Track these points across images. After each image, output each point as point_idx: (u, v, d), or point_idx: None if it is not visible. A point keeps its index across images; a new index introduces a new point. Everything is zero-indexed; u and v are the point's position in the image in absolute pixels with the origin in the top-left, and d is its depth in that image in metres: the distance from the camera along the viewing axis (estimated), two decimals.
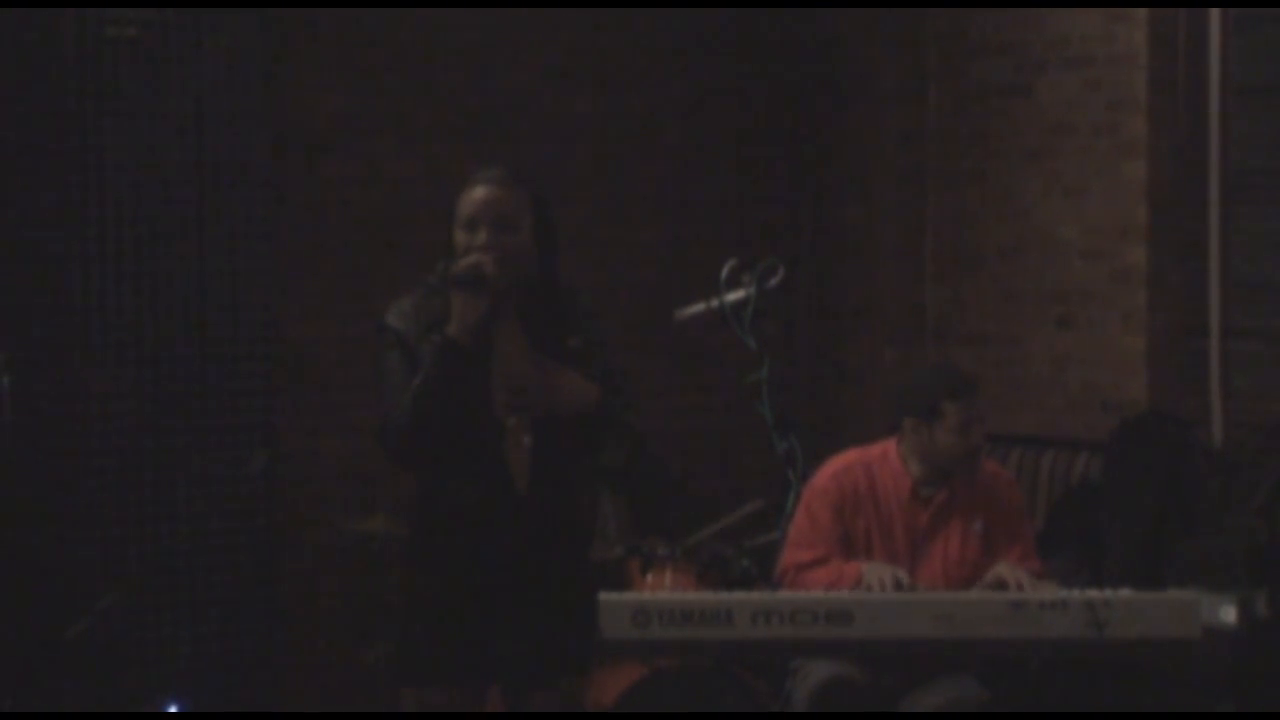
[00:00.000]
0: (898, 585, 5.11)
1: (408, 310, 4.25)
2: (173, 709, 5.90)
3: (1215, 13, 6.72)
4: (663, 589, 5.71)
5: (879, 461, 5.42)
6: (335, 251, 7.07)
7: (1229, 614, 5.55)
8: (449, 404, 4.12)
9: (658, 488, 6.73)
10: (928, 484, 5.39)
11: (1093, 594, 4.98)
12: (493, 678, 4.28)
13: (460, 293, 4.11)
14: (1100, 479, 6.65)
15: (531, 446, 4.19)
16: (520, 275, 4.21)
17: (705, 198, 7.91)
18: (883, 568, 5.19)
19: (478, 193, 4.23)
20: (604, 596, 5.00)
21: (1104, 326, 7.00)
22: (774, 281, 5.33)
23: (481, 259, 4.13)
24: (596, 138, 7.69)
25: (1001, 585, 5.16)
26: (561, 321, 4.26)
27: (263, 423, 6.22)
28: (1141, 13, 6.83)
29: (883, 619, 4.96)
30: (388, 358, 4.22)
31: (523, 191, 4.24)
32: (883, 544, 5.33)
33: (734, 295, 5.34)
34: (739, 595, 5.08)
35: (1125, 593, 5.01)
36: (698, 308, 5.49)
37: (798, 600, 5.00)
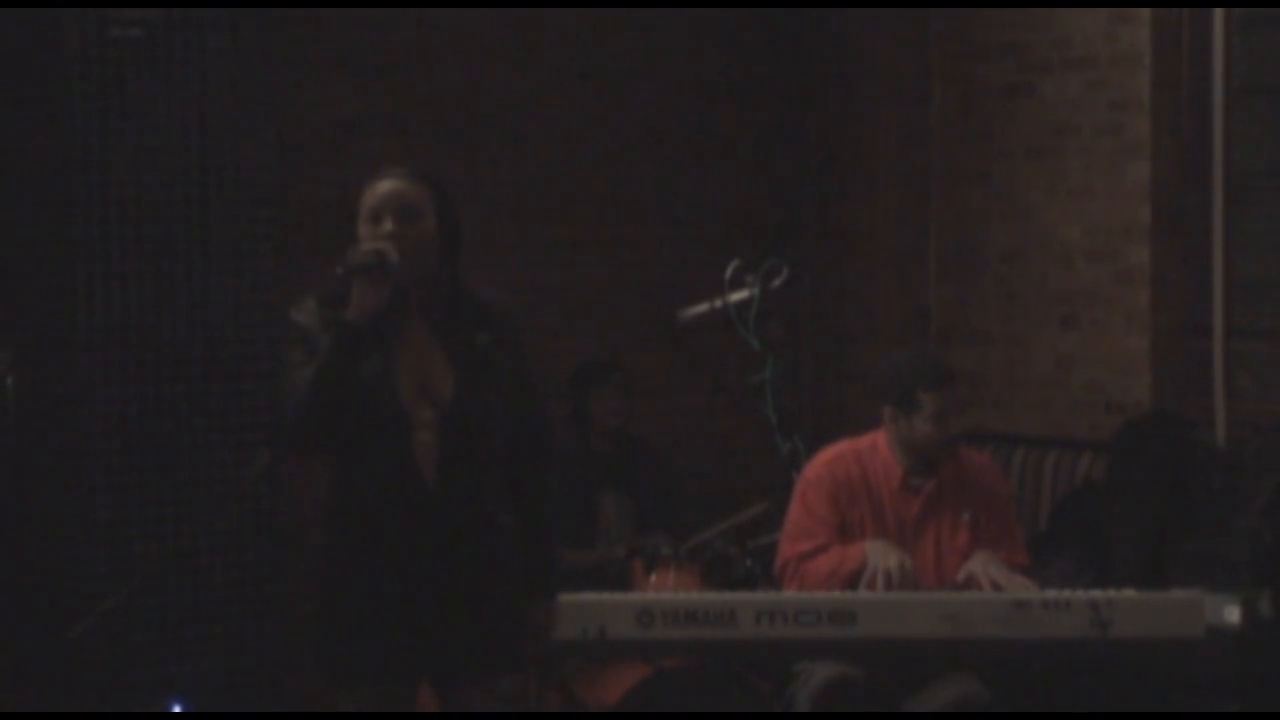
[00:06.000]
0: (901, 567, 5.11)
1: (311, 305, 4.26)
2: (176, 709, 5.90)
3: (1219, 13, 6.72)
4: (666, 589, 5.70)
5: (869, 452, 5.43)
6: (338, 253, 7.05)
7: (1233, 614, 5.54)
8: (345, 390, 4.09)
9: (660, 487, 6.73)
10: (917, 474, 5.39)
11: (1096, 594, 4.97)
12: (418, 676, 4.26)
13: (360, 279, 4.12)
14: (1104, 479, 6.65)
15: (438, 442, 4.17)
16: (423, 270, 4.22)
17: (709, 198, 7.91)
18: (886, 547, 5.19)
19: (382, 186, 4.25)
20: (608, 596, 5.01)
21: (1107, 327, 7.00)
22: (777, 282, 5.34)
23: (383, 246, 4.15)
24: (599, 138, 7.69)
25: (972, 583, 5.17)
26: (467, 318, 4.26)
27: (266, 423, 6.21)
28: (1145, 13, 6.83)
29: (886, 619, 4.95)
30: (290, 354, 4.22)
31: (427, 187, 4.27)
32: (876, 533, 5.33)
33: (738, 295, 5.34)
34: (742, 595, 5.08)
35: (1129, 593, 5.01)
36: (701, 308, 5.50)
37: (801, 600, 5.00)
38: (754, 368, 5.28)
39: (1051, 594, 5.00)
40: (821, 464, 5.41)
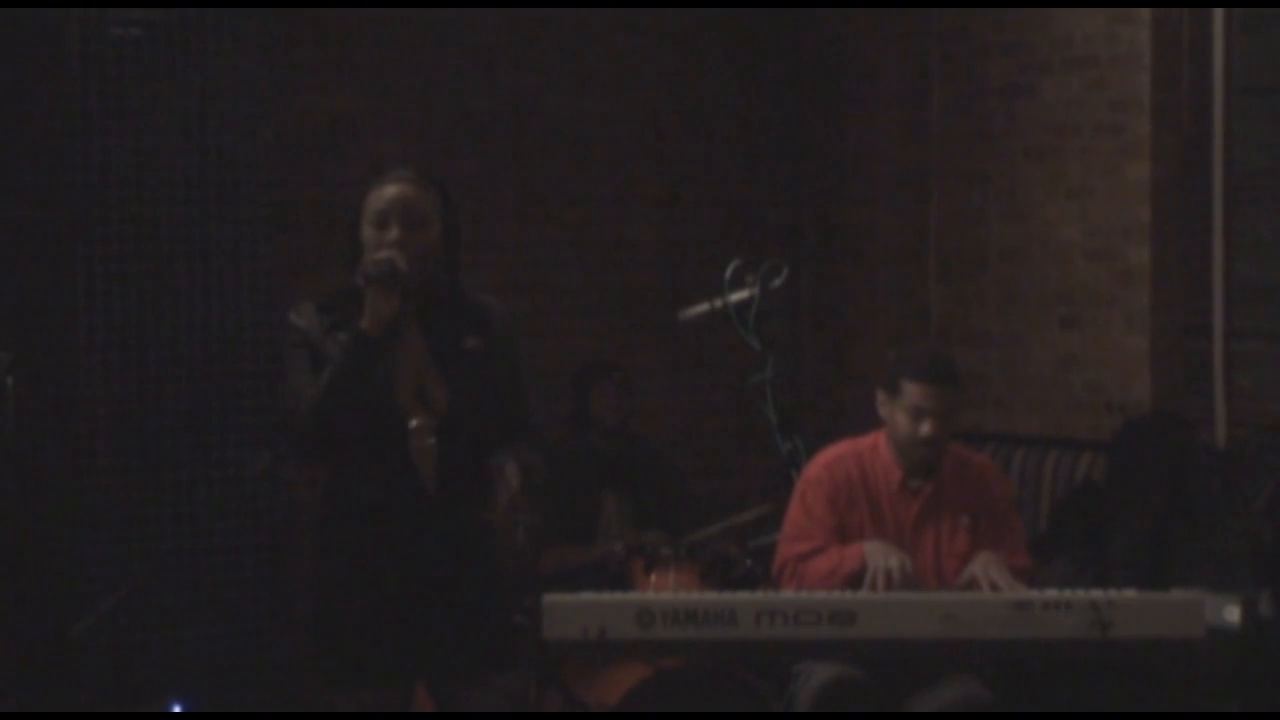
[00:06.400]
0: (901, 567, 5.11)
1: (311, 310, 4.26)
2: (176, 709, 5.90)
3: (1219, 13, 6.72)
4: (666, 589, 5.70)
5: (869, 452, 5.41)
6: (337, 253, 7.05)
7: (1233, 614, 5.54)
8: (357, 398, 4.12)
9: (660, 486, 6.73)
10: (916, 475, 5.38)
11: (1097, 594, 4.97)
12: (414, 676, 4.26)
13: (374, 288, 4.12)
14: (1104, 479, 6.65)
15: (436, 446, 4.18)
16: (427, 275, 4.22)
17: (708, 198, 7.91)
18: (885, 547, 5.18)
19: (389, 190, 4.24)
20: (608, 596, 5.01)
21: (1107, 327, 7.00)
22: (777, 282, 5.33)
23: (394, 254, 4.14)
24: (599, 138, 7.69)
25: (974, 584, 5.16)
26: (459, 323, 4.26)
27: (266, 423, 6.21)
28: (1145, 13, 6.83)
29: (886, 619, 4.95)
30: (292, 356, 4.23)
31: (433, 192, 4.26)
32: (875, 535, 5.32)
33: (738, 296, 5.34)
34: (743, 595, 5.07)
35: (1129, 593, 5.00)
36: (701, 308, 5.49)
37: (801, 600, 4.99)
38: (754, 367, 5.27)
39: (1051, 594, 5.00)
40: (821, 465, 5.40)
